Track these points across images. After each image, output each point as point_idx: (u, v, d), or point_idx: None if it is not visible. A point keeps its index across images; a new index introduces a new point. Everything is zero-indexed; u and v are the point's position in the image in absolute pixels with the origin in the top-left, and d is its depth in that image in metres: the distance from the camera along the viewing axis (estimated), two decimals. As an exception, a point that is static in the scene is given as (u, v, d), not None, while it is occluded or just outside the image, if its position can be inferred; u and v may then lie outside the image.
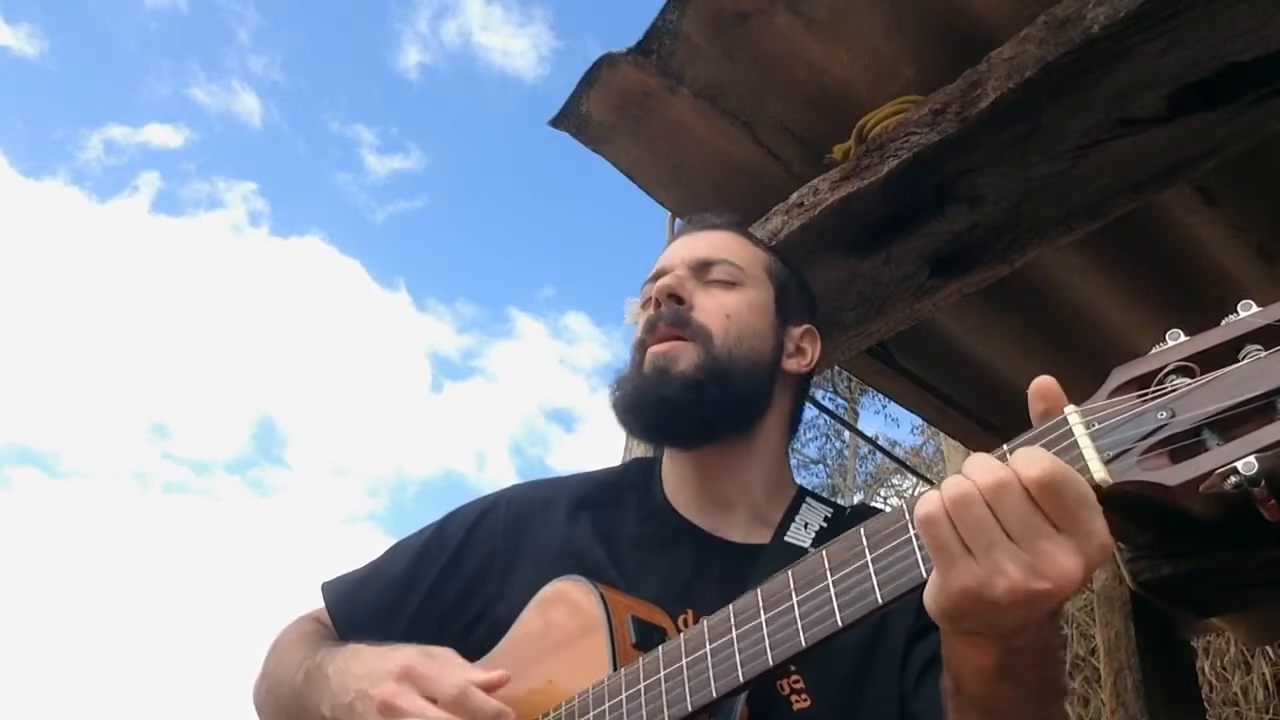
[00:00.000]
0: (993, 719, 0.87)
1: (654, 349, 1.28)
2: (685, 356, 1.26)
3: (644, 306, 1.39)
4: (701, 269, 1.35)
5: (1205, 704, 4.59)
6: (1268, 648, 4.92)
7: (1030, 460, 0.75)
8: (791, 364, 1.37)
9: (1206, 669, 5.13)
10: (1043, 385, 0.81)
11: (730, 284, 1.34)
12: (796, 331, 1.39)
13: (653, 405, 1.26)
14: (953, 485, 0.77)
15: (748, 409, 1.31)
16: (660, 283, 1.32)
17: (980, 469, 0.77)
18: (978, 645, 0.82)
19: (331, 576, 1.41)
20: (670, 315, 1.30)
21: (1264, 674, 5.08)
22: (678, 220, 2.36)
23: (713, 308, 1.31)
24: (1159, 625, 3.54)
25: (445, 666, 1.08)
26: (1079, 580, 0.75)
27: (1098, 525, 0.75)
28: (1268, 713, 5.00)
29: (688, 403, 1.25)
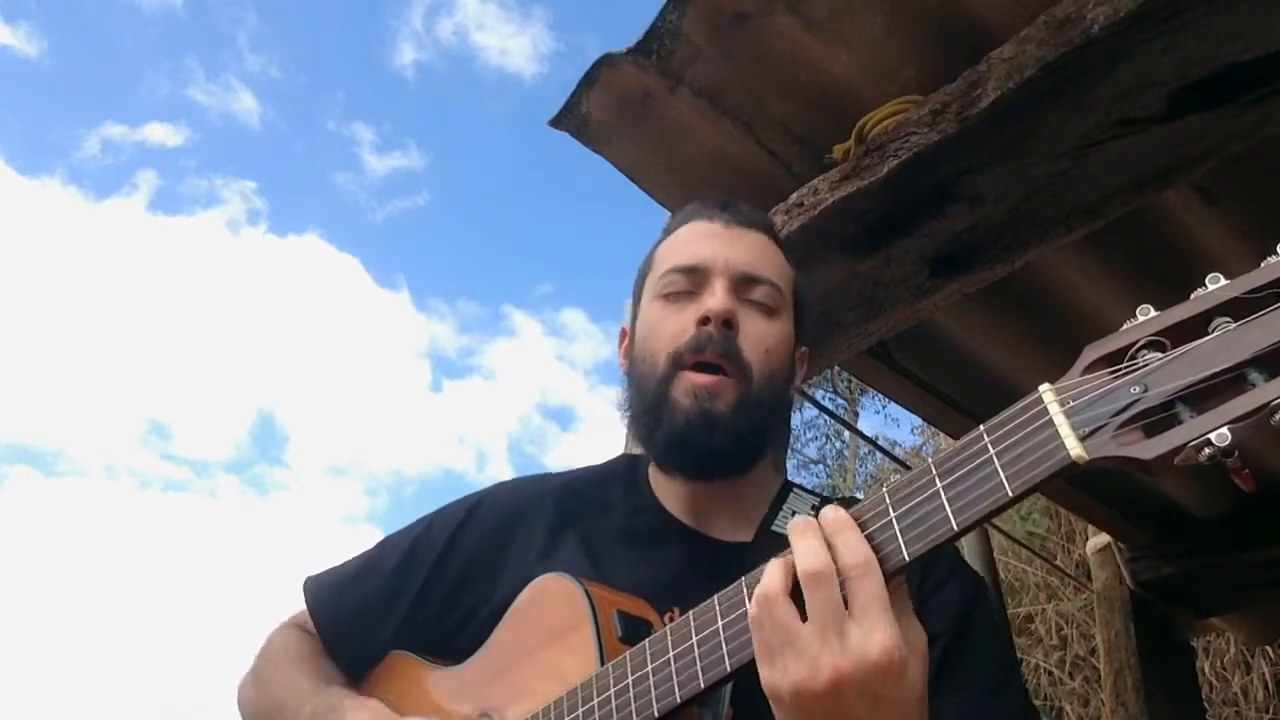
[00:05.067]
0: None
1: (696, 379, 1.22)
2: (726, 395, 1.22)
3: (670, 299, 1.30)
4: (745, 285, 1.28)
5: (1205, 704, 4.60)
6: (1268, 648, 4.92)
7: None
8: (792, 386, 1.37)
9: (1206, 669, 5.13)
10: None
11: (770, 310, 1.29)
12: (799, 353, 1.38)
13: (701, 453, 1.23)
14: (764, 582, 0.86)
15: (766, 445, 1.30)
16: (720, 306, 1.23)
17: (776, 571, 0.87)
18: None
19: (315, 572, 1.39)
20: (722, 345, 1.23)
21: (1264, 674, 5.08)
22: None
23: (755, 340, 1.25)
24: (1159, 625, 3.54)
25: None
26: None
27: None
28: (1268, 713, 5.01)
29: (729, 454, 1.23)
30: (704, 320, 1.24)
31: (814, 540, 0.85)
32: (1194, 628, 3.87)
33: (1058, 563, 5.75)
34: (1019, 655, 5.67)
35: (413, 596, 1.31)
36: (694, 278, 1.29)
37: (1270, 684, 5.08)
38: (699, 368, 1.23)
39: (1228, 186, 2.15)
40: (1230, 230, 2.25)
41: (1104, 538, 3.67)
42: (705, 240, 1.32)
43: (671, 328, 1.27)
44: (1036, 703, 5.79)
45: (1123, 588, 3.55)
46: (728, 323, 1.23)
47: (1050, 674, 5.92)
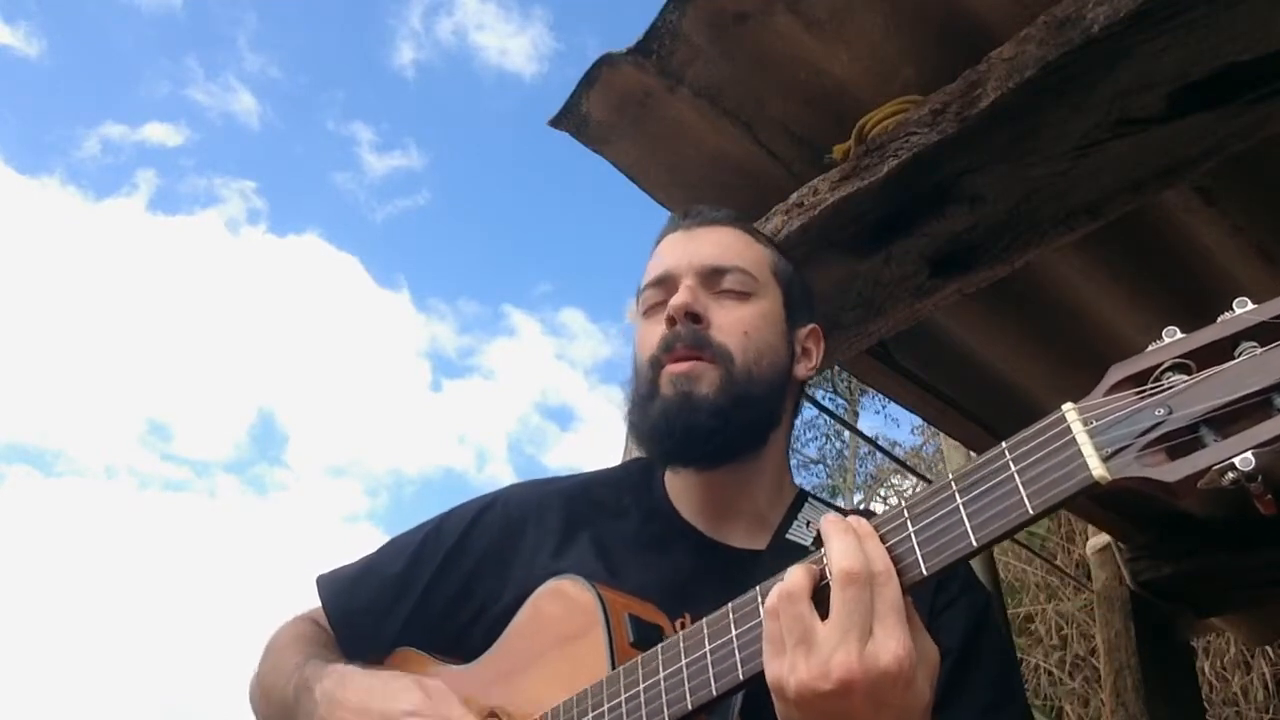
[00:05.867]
0: None
1: (673, 369, 1.24)
2: (706, 378, 1.23)
3: (647, 314, 1.34)
4: (712, 277, 1.31)
5: (1205, 704, 4.60)
6: (1268, 648, 4.92)
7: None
8: (800, 369, 1.36)
9: (1206, 669, 5.14)
10: None
11: (744, 295, 1.30)
12: (803, 333, 1.38)
13: (679, 434, 1.23)
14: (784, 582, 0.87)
15: (766, 427, 1.30)
16: (677, 301, 1.27)
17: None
18: None
19: (328, 569, 1.41)
20: (689, 337, 1.25)
21: (1264, 674, 5.09)
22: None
23: (730, 324, 1.27)
24: (1159, 625, 3.54)
25: (448, 710, 1.10)
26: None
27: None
28: (1268, 713, 5.01)
29: (713, 430, 1.22)
30: (671, 320, 1.27)
31: (852, 539, 0.85)
32: (1194, 628, 3.87)
33: (1058, 563, 5.76)
34: (1019, 655, 5.67)
35: (420, 592, 1.31)
36: (664, 287, 1.33)
37: (1270, 684, 5.09)
38: (676, 360, 1.26)
39: (1228, 186, 2.15)
40: (1230, 230, 2.24)
41: (1104, 538, 3.67)
42: (671, 249, 1.37)
43: (650, 338, 1.31)
44: (1036, 703, 5.79)
45: (1123, 588, 3.55)
46: (694, 316, 1.27)
47: (1050, 674, 5.92)
